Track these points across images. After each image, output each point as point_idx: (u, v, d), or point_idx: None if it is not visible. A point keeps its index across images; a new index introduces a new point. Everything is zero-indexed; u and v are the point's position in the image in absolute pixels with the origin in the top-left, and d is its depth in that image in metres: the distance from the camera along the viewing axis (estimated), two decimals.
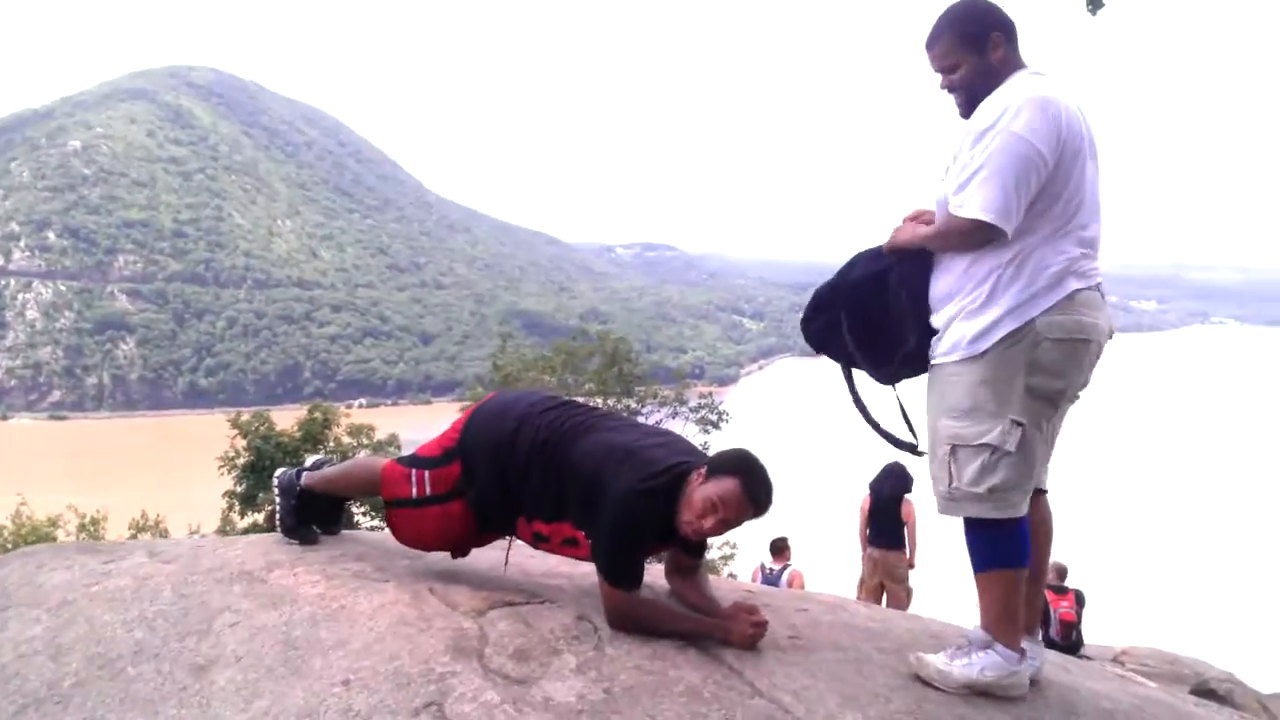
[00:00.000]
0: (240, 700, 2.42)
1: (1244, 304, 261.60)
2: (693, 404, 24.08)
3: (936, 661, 2.72)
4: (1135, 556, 50.55)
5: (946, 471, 2.68)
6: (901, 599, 8.83)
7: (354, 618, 2.76)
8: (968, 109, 2.72)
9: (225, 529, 17.99)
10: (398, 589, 2.97)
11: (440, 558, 3.24)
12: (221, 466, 18.76)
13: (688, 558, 3.07)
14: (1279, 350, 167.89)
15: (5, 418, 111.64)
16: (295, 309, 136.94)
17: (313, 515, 3.51)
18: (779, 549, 9.13)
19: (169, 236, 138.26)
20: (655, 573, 3.14)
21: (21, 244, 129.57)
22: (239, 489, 18.52)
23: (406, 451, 3.40)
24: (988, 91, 2.65)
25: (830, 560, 14.51)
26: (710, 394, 28.01)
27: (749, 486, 2.68)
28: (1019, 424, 2.59)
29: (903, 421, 2.96)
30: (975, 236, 2.60)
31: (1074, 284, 2.61)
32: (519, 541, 3.17)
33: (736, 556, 20.10)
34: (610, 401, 21.45)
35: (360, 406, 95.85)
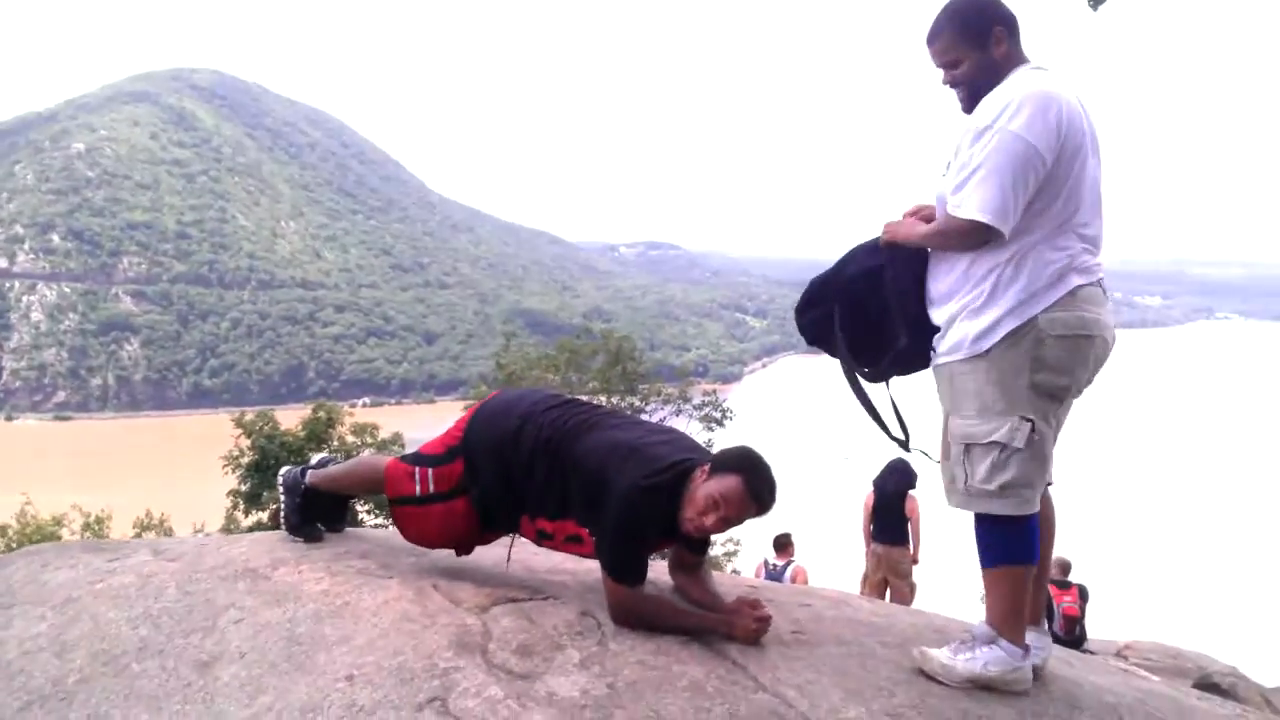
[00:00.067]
0: (244, 696, 2.42)
1: (1249, 299, 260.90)
2: (696, 402, 24.06)
3: (940, 656, 2.72)
4: (1139, 551, 50.51)
5: (962, 469, 2.68)
6: (905, 594, 8.83)
7: (358, 614, 2.77)
8: (970, 104, 2.70)
9: (229, 528, 17.99)
10: (401, 585, 2.97)
11: (444, 555, 3.25)
12: (226, 466, 18.78)
13: (691, 554, 3.07)
14: None
15: (11, 419, 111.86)
16: (299, 309, 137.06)
17: (317, 513, 3.51)
18: (782, 545, 9.13)
19: (173, 238, 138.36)
20: (659, 569, 3.15)
21: (26, 246, 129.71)
22: (243, 488, 18.52)
23: (410, 450, 3.41)
24: (990, 87, 2.64)
25: (834, 556, 14.50)
26: (714, 392, 27.95)
27: (752, 484, 2.69)
28: (1028, 420, 2.60)
29: (894, 417, 2.97)
30: (973, 237, 2.60)
31: (1076, 280, 2.61)
32: (523, 539, 3.18)
33: (740, 553, 20.10)
34: (614, 400, 21.46)
35: (364, 406, 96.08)
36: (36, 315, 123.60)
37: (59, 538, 18.81)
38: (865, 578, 9.17)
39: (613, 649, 2.65)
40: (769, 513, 2.78)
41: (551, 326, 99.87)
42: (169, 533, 20.15)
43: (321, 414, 19.51)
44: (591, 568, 2.98)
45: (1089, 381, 2.73)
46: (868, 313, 2.87)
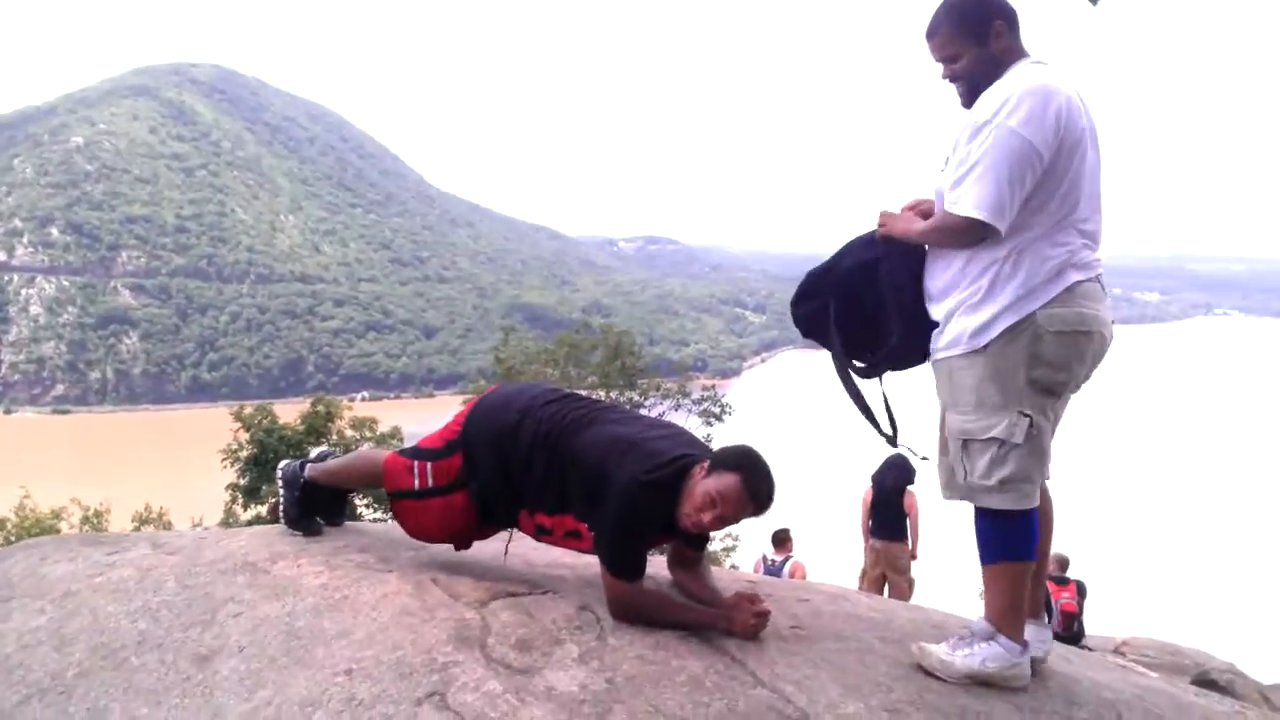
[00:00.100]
0: (244, 690, 2.43)
1: (1248, 295, 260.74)
2: (695, 397, 24.06)
3: (939, 651, 2.73)
4: (1137, 548, 50.58)
5: (960, 465, 2.69)
6: (904, 590, 8.84)
7: (357, 608, 2.77)
8: (970, 99, 2.69)
9: (228, 521, 17.99)
10: (400, 580, 2.97)
11: (444, 549, 3.25)
12: (224, 460, 18.78)
13: (690, 549, 3.07)
14: None
15: (9, 412, 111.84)
16: (298, 303, 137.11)
17: (316, 507, 3.51)
18: (781, 540, 9.14)
19: (172, 232, 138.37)
20: (658, 564, 3.15)
21: (25, 240, 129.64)
22: (242, 482, 18.53)
23: (409, 444, 3.40)
24: (990, 81, 2.63)
25: (832, 552, 14.52)
26: (713, 387, 27.97)
27: (750, 483, 2.68)
28: (1026, 416, 2.60)
29: (885, 413, 2.97)
30: (969, 234, 2.59)
31: (1074, 276, 2.61)
32: (520, 534, 3.18)
33: (738, 548, 20.11)
34: (613, 394, 21.47)
35: (363, 400, 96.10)
36: (35, 309, 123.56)
37: (58, 531, 18.85)
38: (863, 573, 9.17)
39: (611, 644, 2.65)
40: (766, 512, 2.78)
41: (550, 321, 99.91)
42: (168, 526, 20.14)
43: (320, 408, 19.52)
44: (590, 562, 2.98)
45: (1087, 377, 2.73)
46: (863, 307, 2.87)
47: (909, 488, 8.84)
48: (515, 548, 3.39)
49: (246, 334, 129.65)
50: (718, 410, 23.96)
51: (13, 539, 17.46)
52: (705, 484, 2.69)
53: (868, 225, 2.96)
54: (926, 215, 2.79)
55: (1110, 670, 3.45)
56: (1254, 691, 6.70)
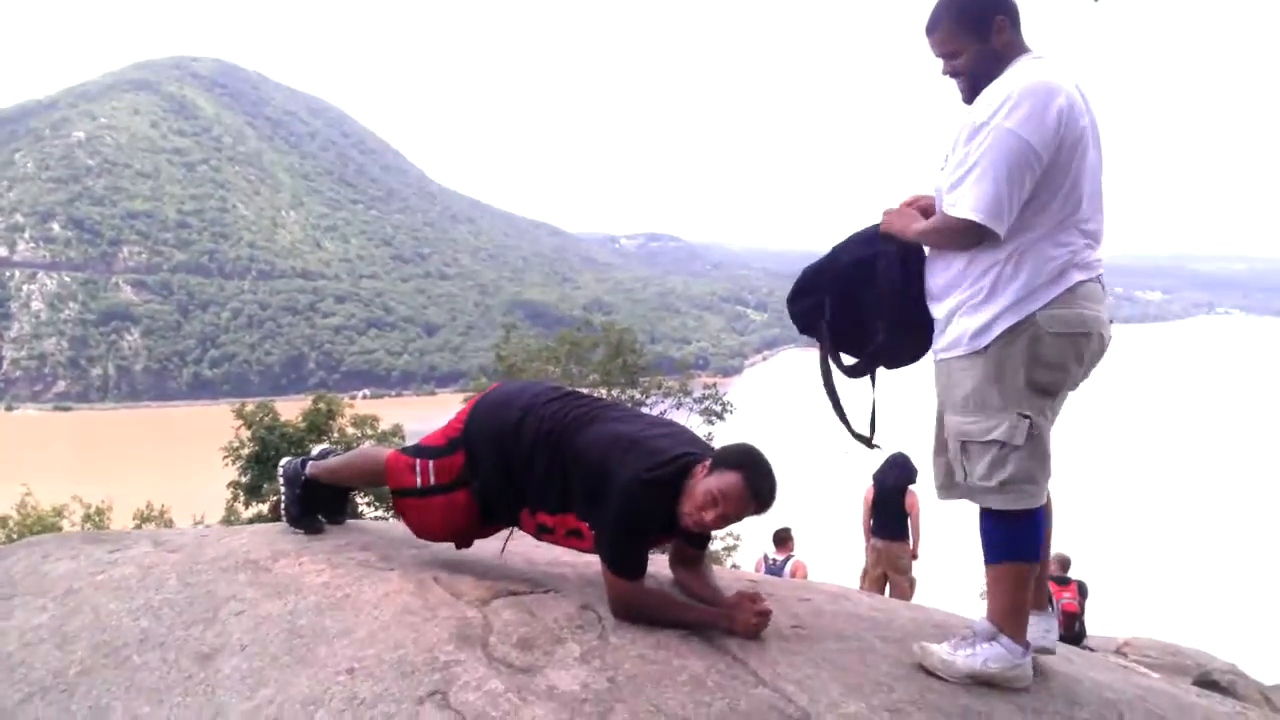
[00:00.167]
0: (245, 688, 2.43)
1: (1249, 294, 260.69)
2: (697, 395, 24.03)
3: (940, 651, 2.72)
4: (1138, 548, 50.55)
5: (959, 466, 2.69)
6: (905, 589, 8.84)
7: (359, 607, 2.77)
8: (970, 95, 2.67)
9: (230, 519, 17.99)
10: (402, 578, 2.97)
11: (445, 547, 3.25)
12: (226, 457, 18.77)
13: (691, 548, 3.07)
14: None
15: (10, 409, 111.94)
16: (299, 300, 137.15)
17: (318, 505, 3.51)
18: (782, 540, 9.14)
19: (173, 227, 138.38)
20: (659, 563, 3.15)
21: (26, 235, 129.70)
22: (243, 479, 18.51)
23: (411, 442, 3.40)
24: (990, 77, 2.61)
25: (833, 551, 14.52)
26: (714, 385, 27.91)
27: (752, 481, 2.68)
28: (1026, 417, 2.59)
29: (869, 414, 2.97)
30: (967, 236, 2.58)
31: (1076, 276, 2.59)
32: (520, 533, 3.17)
33: (740, 547, 20.11)
34: (614, 392, 21.44)
35: (364, 397, 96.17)
36: (37, 304, 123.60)
37: (59, 529, 18.86)
38: (865, 573, 9.17)
39: (613, 643, 2.65)
40: (768, 511, 2.77)
41: (552, 318, 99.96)
42: (169, 524, 20.15)
43: (322, 405, 19.49)
44: (592, 560, 2.98)
45: (1085, 377, 2.72)
46: (860, 304, 2.86)
47: (910, 487, 8.84)
48: (517, 546, 3.39)
49: (248, 330, 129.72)
50: (719, 408, 23.92)
51: (14, 536, 17.48)
52: (707, 482, 2.69)
53: (869, 222, 2.96)
54: (927, 211, 2.78)
55: (1112, 671, 3.45)
56: (1255, 692, 6.70)
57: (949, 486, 2.78)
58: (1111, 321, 2.72)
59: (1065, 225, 2.59)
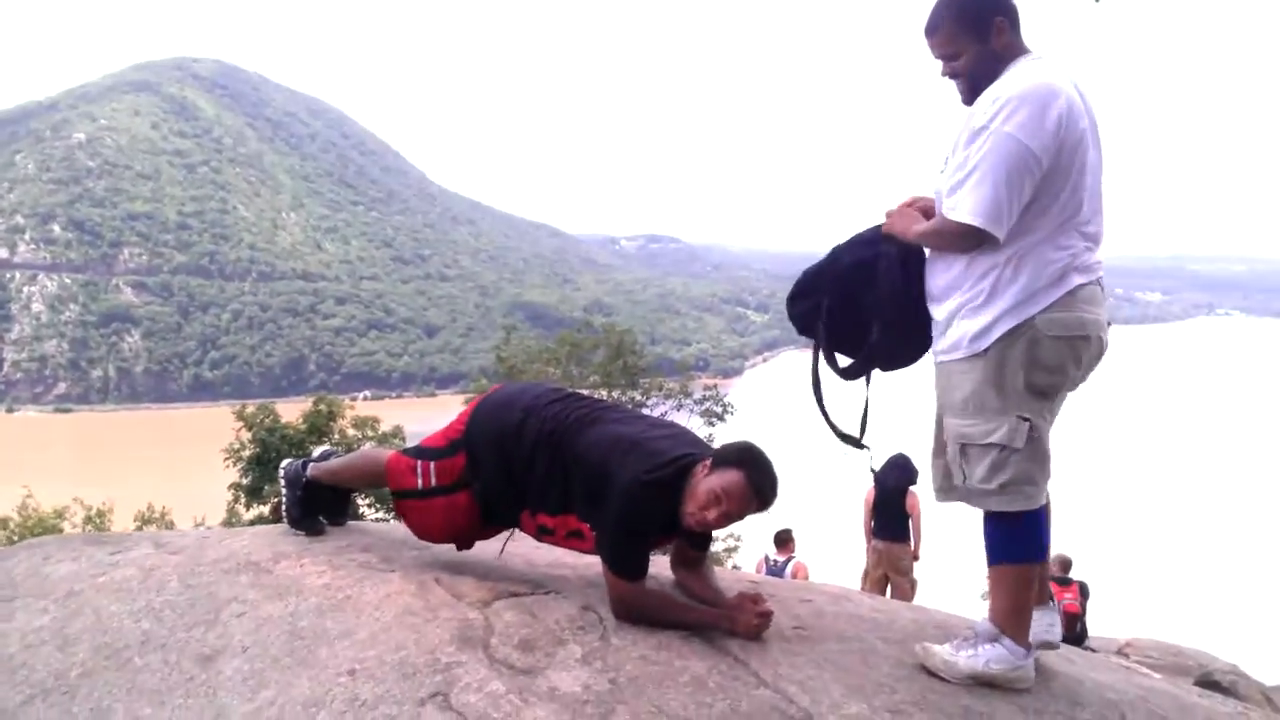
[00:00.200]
0: (247, 690, 2.43)
1: (1249, 295, 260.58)
2: (697, 396, 24.04)
3: (942, 652, 2.72)
4: (1140, 549, 50.54)
5: (959, 469, 2.69)
6: (906, 591, 8.83)
7: (360, 608, 2.77)
8: (970, 96, 2.67)
9: (231, 521, 18.00)
10: (403, 579, 2.97)
11: (447, 548, 3.25)
12: (227, 459, 18.78)
13: (693, 549, 3.07)
14: None
15: (11, 410, 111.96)
16: (300, 301, 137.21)
17: (319, 506, 3.51)
18: (783, 541, 9.13)
19: (173, 229, 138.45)
20: (660, 564, 3.15)
21: (26, 237, 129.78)
22: (244, 481, 18.53)
23: (411, 444, 3.40)
24: (990, 79, 2.61)
25: (835, 552, 14.51)
26: (715, 386, 27.94)
27: (753, 479, 2.68)
28: (1025, 420, 2.59)
29: (860, 416, 2.96)
30: (967, 240, 2.58)
31: (1076, 280, 2.59)
32: (520, 534, 3.17)
33: (741, 548, 20.10)
34: (615, 394, 21.45)
35: (365, 399, 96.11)
36: (37, 306, 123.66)
37: (60, 530, 18.86)
38: (866, 574, 9.17)
39: (615, 644, 2.65)
40: (770, 508, 2.77)
41: (552, 320, 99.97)
42: (170, 526, 20.16)
43: (322, 407, 19.51)
44: (593, 562, 2.98)
45: (1083, 379, 2.72)
46: (860, 305, 2.86)
47: (911, 488, 8.84)
48: (518, 548, 3.38)
49: (248, 332, 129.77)
50: (719, 410, 23.94)
51: (15, 538, 17.48)
52: (708, 481, 2.69)
53: (869, 223, 2.95)
54: (928, 212, 2.78)
55: (1114, 671, 3.45)
56: (1257, 692, 6.70)
57: (947, 489, 2.78)
58: (1110, 324, 2.72)
59: (1065, 228, 2.59)
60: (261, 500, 18.13)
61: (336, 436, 18.88)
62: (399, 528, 3.36)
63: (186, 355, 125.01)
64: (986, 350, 2.60)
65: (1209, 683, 6.40)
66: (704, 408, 23.78)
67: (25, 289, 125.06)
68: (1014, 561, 2.70)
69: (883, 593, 8.59)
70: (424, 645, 2.55)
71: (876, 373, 2.97)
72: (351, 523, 3.71)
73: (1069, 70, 2.63)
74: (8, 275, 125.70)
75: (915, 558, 9.03)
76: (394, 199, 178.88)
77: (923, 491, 8.45)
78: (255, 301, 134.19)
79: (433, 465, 3.07)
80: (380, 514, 16.35)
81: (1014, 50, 2.65)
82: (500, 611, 2.79)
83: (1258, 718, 3.46)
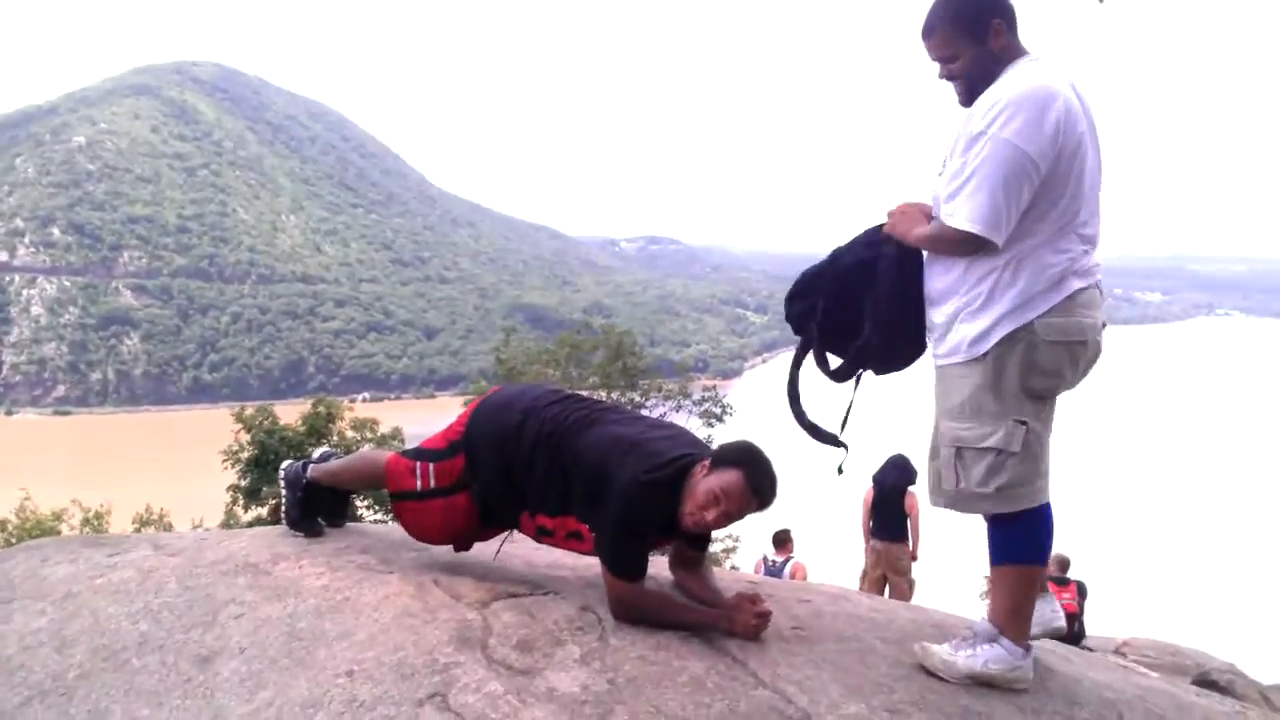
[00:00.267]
0: (245, 691, 2.43)
1: (1249, 295, 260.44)
2: (696, 397, 24.06)
3: (941, 652, 2.72)
4: (1138, 548, 50.55)
5: (954, 473, 2.68)
6: (904, 591, 8.84)
7: (358, 609, 2.77)
8: (968, 98, 2.66)
9: (229, 523, 18.00)
10: (402, 581, 2.97)
11: (445, 550, 3.25)
12: (225, 461, 18.80)
13: (691, 550, 3.07)
14: None
15: (10, 413, 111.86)
16: (299, 304, 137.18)
17: (318, 508, 3.51)
18: (781, 541, 9.14)
19: (173, 232, 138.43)
20: (659, 565, 3.15)
21: (26, 240, 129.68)
22: (243, 483, 18.55)
23: (410, 445, 3.41)
24: (988, 81, 2.60)
25: (833, 552, 14.51)
26: (714, 387, 27.95)
27: (752, 478, 2.68)
28: (1022, 424, 2.59)
29: (842, 417, 2.97)
30: (965, 246, 2.59)
31: (1075, 284, 2.59)
32: (518, 535, 3.17)
33: (739, 549, 20.10)
34: (614, 395, 21.47)
35: (364, 401, 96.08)
36: (36, 309, 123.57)
37: (59, 533, 18.85)
38: (864, 574, 9.18)
39: (613, 644, 2.65)
40: (770, 508, 2.77)
41: (552, 321, 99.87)
42: (169, 528, 20.16)
43: (321, 409, 19.53)
44: (592, 563, 2.98)
45: (1079, 381, 2.73)
46: (859, 307, 2.86)
47: (910, 488, 8.85)
48: (517, 549, 3.39)
49: (247, 335, 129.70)
50: (719, 411, 23.96)
51: (14, 540, 17.46)
52: (708, 481, 2.69)
53: (869, 225, 2.95)
54: (926, 213, 2.78)
55: (1111, 670, 3.45)
56: (1254, 692, 6.69)
57: (937, 493, 2.79)
58: (1104, 325, 2.71)
59: (1064, 231, 2.58)
60: (260, 502, 18.15)
61: (335, 438, 18.90)
62: (397, 529, 3.36)
63: (186, 358, 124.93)
64: (985, 354, 2.60)
65: (1206, 682, 6.38)
66: (703, 409, 23.80)
67: (25, 292, 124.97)
68: (1015, 562, 2.70)
69: (881, 593, 8.59)
70: (422, 646, 2.55)
71: (868, 376, 2.97)
72: (350, 524, 3.71)
73: (1067, 71, 2.62)
74: (7, 278, 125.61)
75: (914, 558, 9.04)
76: (394, 201, 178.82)
77: (921, 492, 8.45)
78: (255, 304, 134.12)
79: (432, 467, 3.07)
80: (379, 516, 16.34)
81: (1012, 52, 2.64)
82: (499, 612, 2.79)
83: (1255, 716, 3.46)
